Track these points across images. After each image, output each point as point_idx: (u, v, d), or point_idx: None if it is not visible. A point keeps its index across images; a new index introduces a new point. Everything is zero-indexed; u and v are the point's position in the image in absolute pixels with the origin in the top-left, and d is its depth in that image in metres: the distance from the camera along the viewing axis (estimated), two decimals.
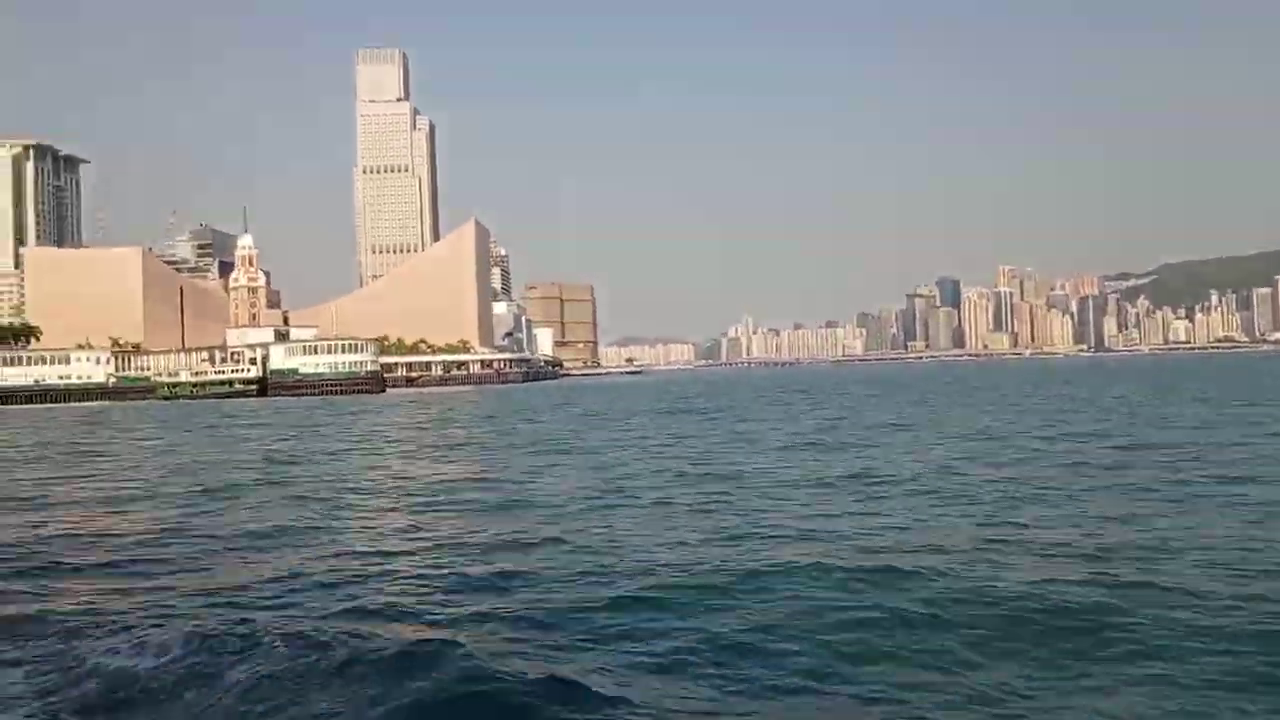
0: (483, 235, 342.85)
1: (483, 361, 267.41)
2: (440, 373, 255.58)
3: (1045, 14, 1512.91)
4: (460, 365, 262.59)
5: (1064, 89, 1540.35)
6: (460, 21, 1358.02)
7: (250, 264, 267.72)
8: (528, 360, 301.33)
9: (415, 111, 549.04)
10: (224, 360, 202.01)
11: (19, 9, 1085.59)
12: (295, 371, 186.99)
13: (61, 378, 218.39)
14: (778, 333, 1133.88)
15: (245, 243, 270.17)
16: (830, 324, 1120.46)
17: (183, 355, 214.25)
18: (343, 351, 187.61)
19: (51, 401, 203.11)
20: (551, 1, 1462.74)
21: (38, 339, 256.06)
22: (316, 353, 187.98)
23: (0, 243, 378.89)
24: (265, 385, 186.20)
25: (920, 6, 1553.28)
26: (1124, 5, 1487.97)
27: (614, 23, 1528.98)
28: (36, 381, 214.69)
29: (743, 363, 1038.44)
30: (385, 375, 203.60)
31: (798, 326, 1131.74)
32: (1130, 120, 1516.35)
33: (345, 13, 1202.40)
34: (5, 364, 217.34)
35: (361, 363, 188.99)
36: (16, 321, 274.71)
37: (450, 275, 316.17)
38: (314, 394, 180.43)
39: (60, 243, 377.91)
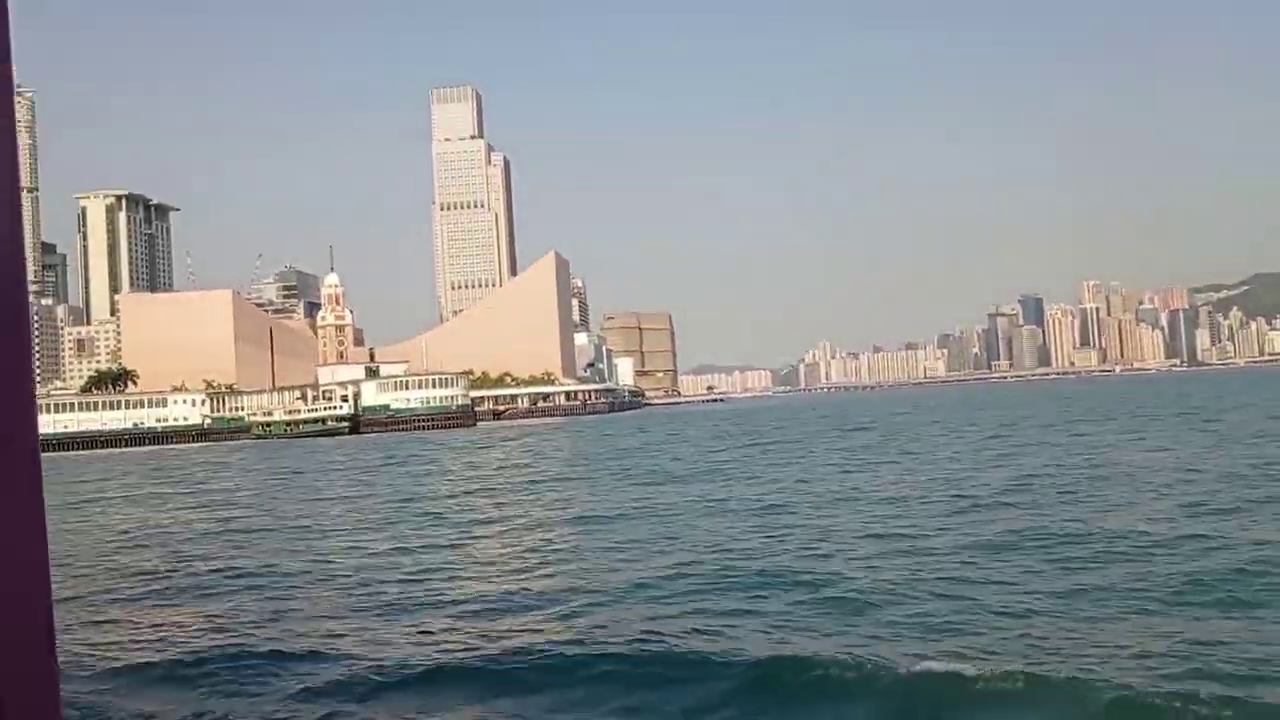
0: (563, 267, 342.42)
1: (568, 393, 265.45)
2: (526, 405, 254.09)
3: (1133, 19, 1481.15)
4: (546, 397, 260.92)
5: (1144, 97, 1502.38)
6: (529, 56, 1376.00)
7: (337, 302, 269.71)
8: (612, 390, 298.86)
9: (489, 148, 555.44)
10: (316, 399, 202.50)
11: (107, 69, 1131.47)
12: (387, 408, 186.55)
13: (159, 420, 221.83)
14: (856, 356, 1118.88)
15: (331, 281, 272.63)
16: (910, 346, 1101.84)
17: (275, 394, 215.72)
18: (433, 386, 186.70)
19: (150, 444, 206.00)
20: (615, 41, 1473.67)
21: (135, 383, 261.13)
22: (407, 388, 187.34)
23: (97, 290, 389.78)
24: (358, 422, 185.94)
25: (1003, 20, 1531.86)
26: (1205, 10, 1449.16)
27: (684, 52, 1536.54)
28: (135, 425, 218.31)
29: (821, 388, 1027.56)
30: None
31: (876, 349, 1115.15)
32: (1213, 127, 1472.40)
33: (417, 52, 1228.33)
34: (107, 408, 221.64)
35: (452, 397, 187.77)
36: (115, 366, 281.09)
37: (532, 308, 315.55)
38: (406, 430, 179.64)
39: (153, 289, 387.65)
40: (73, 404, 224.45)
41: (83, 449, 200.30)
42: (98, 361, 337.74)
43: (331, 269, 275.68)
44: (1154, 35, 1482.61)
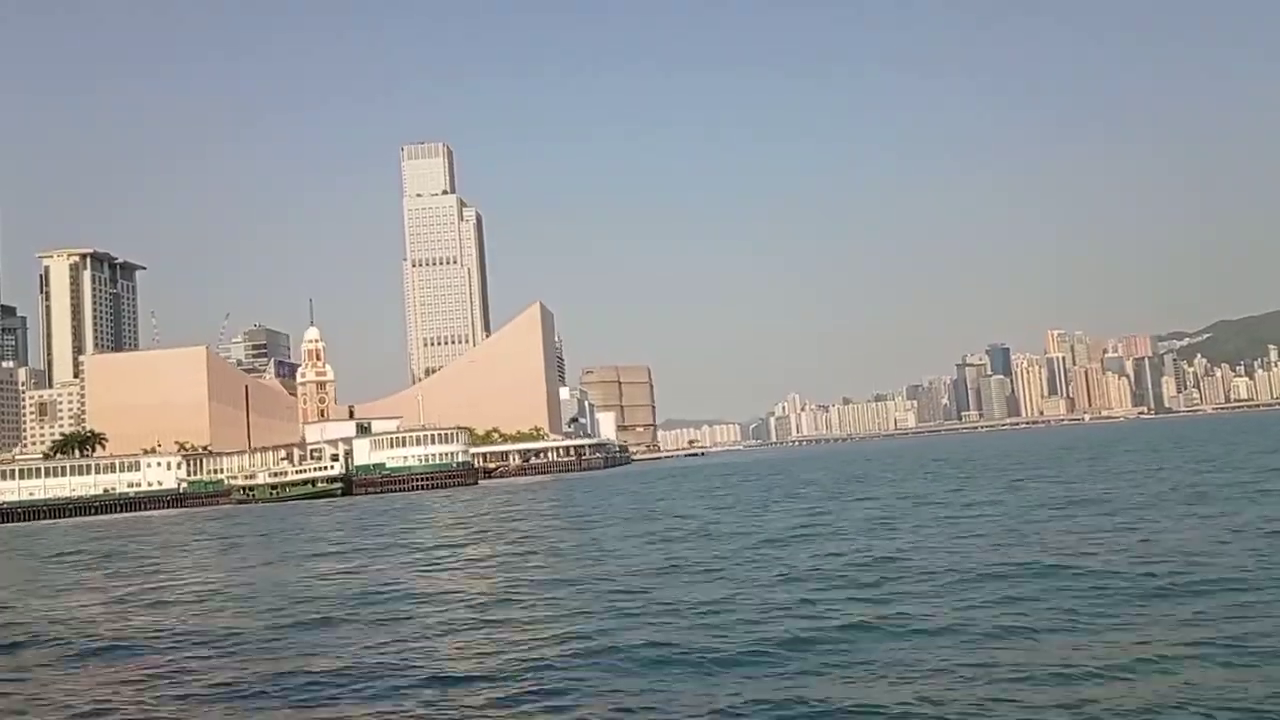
0: (548, 319, 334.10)
1: (561, 448, 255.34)
2: (518, 462, 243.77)
3: (1092, 69, 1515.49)
4: (539, 453, 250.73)
5: (1106, 147, 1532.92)
6: (498, 113, 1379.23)
7: (317, 358, 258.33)
8: (604, 446, 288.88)
9: (462, 203, 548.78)
10: (303, 458, 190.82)
11: (67, 118, 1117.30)
12: (382, 467, 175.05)
13: (131, 485, 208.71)
14: (826, 408, 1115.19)
15: (311, 335, 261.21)
16: (879, 397, 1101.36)
17: (257, 455, 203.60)
18: (432, 443, 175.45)
19: (123, 511, 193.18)
20: (592, 99, 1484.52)
21: (104, 446, 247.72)
22: (404, 445, 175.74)
23: (60, 352, 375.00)
24: (350, 483, 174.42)
25: (957, 86, 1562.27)
26: (1170, 64, 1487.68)
27: (650, 118, 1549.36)
28: (106, 490, 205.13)
29: (793, 441, 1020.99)
30: None
31: (846, 401, 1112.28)
32: (1174, 176, 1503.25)
33: (387, 107, 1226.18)
34: (75, 473, 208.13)
35: (452, 454, 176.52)
36: (82, 429, 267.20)
37: (517, 361, 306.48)
38: (403, 489, 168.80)
39: (118, 349, 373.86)
40: (38, 469, 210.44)
41: (50, 518, 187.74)
42: (61, 425, 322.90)
43: (311, 323, 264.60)
44: (1116, 88, 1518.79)
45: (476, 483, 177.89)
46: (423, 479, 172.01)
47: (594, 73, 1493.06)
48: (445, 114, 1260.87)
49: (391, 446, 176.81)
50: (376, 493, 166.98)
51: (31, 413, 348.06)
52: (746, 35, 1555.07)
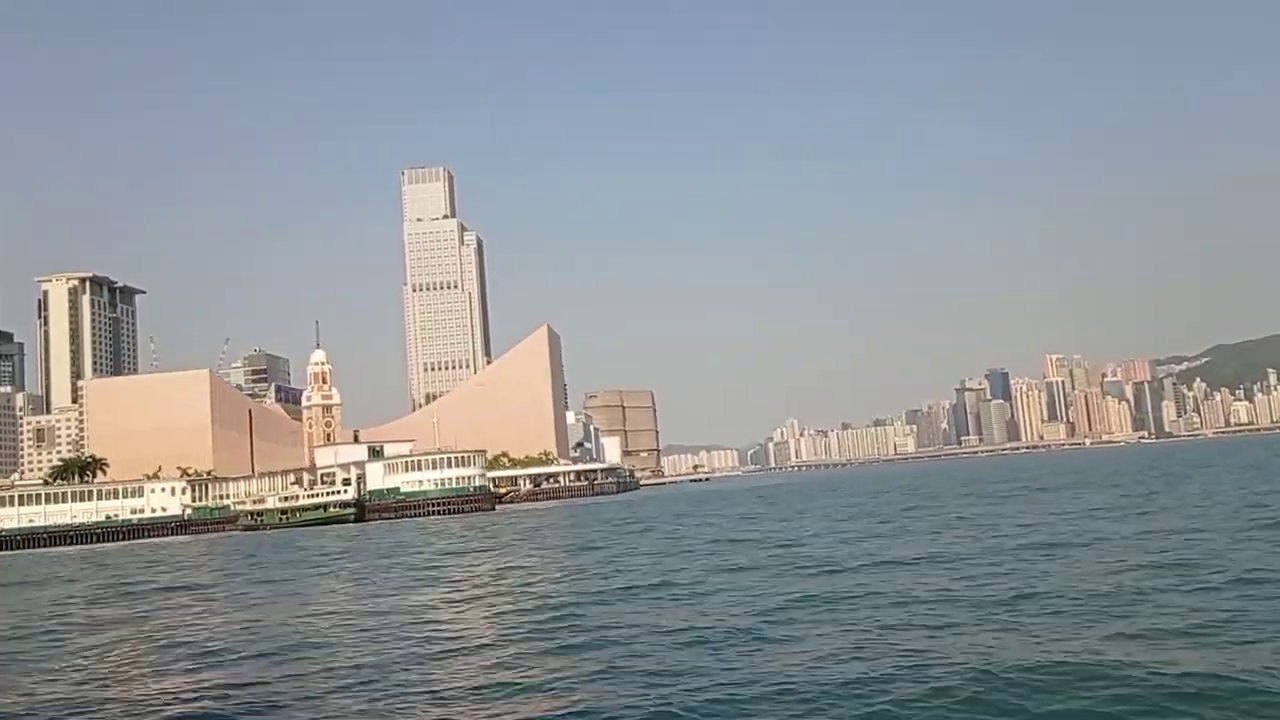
0: (555, 342, 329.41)
1: (573, 473, 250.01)
2: (529, 487, 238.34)
3: (1090, 98, 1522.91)
4: (550, 478, 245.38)
5: (1104, 174, 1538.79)
6: (499, 138, 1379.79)
7: (324, 381, 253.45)
8: (615, 470, 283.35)
9: (463, 227, 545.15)
10: (313, 483, 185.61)
11: (67, 142, 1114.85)
12: (397, 491, 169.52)
13: (134, 511, 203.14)
14: (825, 434, 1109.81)
15: (318, 358, 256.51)
16: (879, 422, 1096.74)
17: (265, 479, 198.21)
18: (448, 466, 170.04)
19: (125, 538, 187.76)
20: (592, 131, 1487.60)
21: (104, 471, 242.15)
22: (419, 469, 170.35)
23: (58, 377, 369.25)
24: (363, 508, 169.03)
25: (957, 113, 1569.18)
26: (1167, 93, 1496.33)
27: (650, 148, 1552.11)
28: (109, 517, 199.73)
29: (792, 466, 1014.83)
30: None
31: (845, 426, 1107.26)
32: (1171, 204, 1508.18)
33: (388, 131, 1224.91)
34: (77, 499, 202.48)
35: (469, 478, 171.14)
36: (82, 455, 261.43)
37: (525, 385, 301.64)
38: (418, 515, 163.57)
39: (117, 374, 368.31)
40: (39, 495, 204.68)
41: (50, 545, 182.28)
42: (59, 451, 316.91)
43: (317, 345, 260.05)
44: (1115, 117, 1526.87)
45: (494, 508, 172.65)
46: (438, 504, 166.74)
47: (594, 95, 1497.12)
48: (446, 138, 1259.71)
49: (406, 470, 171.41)
50: (390, 518, 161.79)
51: (29, 439, 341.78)
52: (744, 57, 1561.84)
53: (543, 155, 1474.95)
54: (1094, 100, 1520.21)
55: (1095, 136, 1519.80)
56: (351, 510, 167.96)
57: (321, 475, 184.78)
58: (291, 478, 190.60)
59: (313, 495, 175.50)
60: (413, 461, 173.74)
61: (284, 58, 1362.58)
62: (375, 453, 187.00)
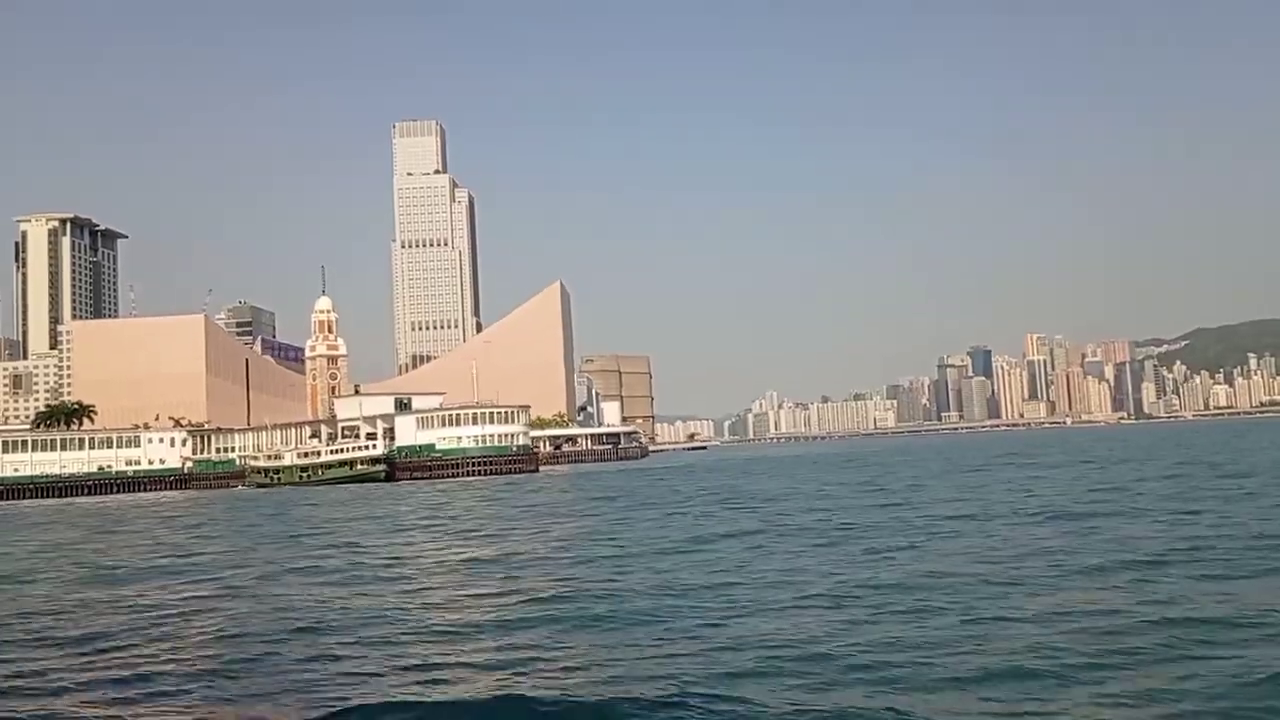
0: (566, 300, 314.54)
1: (594, 436, 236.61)
2: (549, 449, 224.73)
3: (1074, 76, 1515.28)
4: (570, 440, 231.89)
5: (1087, 153, 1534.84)
6: (492, 94, 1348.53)
7: (329, 330, 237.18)
8: (633, 434, 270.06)
9: (454, 184, 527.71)
10: (332, 436, 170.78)
11: (56, 85, 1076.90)
12: (431, 448, 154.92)
13: (130, 463, 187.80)
14: (805, 406, 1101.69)
15: (323, 305, 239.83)
16: (858, 396, 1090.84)
17: (277, 432, 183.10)
18: (490, 422, 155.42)
19: (119, 492, 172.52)
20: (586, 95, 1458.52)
21: (92, 419, 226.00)
22: (457, 423, 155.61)
23: (36, 321, 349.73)
24: (393, 466, 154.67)
25: (945, 85, 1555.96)
26: (1147, 69, 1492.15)
27: (643, 117, 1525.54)
28: (102, 468, 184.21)
29: (771, 438, 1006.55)
30: None
31: (825, 400, 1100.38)
32: (1153, 187, 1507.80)
33: (380, 83, 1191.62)
34: (67, 447, 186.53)
35: (512, 435, 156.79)
36: (63, 402, 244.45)
37: (536, 343, 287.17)
38: (455, 474, 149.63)
39: (97, 319, 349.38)
40: (25, 442, 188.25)
41: (36, 497, 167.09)
42: (36, 400, 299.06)
43: (323, 292, 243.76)
44: (1101, 94, 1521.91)
45: (538, 470, 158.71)
46: (479, 463, 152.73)
47: (593, 54, 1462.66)
48: (439, 92, 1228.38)
49: (443, 425, 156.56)
50: (424, 478, 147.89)
51: (4, 386, 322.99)
52: (743, 22, 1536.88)
53: (538, 115, 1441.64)
54: (1079, 77, 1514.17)
55: (1082, 116, 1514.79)
56: (382, 468, 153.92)
57: (343, 428, 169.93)
58: (308, 430, 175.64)
59: (337, 451, 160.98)
60: (451, 415, 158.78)
61: (275, 8, 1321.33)
62: (402, 405, 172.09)
